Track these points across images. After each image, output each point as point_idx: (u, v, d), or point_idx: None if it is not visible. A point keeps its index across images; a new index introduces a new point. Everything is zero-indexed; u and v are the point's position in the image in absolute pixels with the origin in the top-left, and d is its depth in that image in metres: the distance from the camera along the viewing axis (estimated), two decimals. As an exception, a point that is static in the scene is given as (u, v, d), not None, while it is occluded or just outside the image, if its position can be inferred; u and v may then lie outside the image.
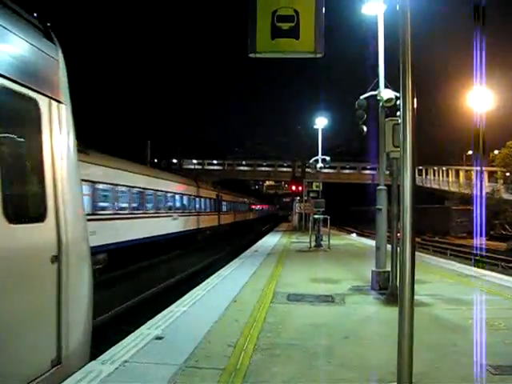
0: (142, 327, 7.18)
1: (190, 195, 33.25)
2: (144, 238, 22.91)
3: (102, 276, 16.74)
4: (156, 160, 62.89)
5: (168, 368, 5.30)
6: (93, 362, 5.48)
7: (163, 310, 8.47)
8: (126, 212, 21.38)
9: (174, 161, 71.46)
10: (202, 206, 36.91)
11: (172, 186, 29.13)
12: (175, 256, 25.64)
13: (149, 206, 24.70)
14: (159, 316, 7.91)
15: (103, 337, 10.32)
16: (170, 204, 28.47)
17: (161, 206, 26.65)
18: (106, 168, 19.22)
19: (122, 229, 20.53)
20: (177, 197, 30.12)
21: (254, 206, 78.84)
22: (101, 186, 18.61)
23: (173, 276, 18.59)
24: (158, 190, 26.06)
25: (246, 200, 68.97)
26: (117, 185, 20.08)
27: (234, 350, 6.06)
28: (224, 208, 46.11)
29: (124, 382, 4.91)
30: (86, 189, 16.18)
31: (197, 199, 35.18)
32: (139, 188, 23.02)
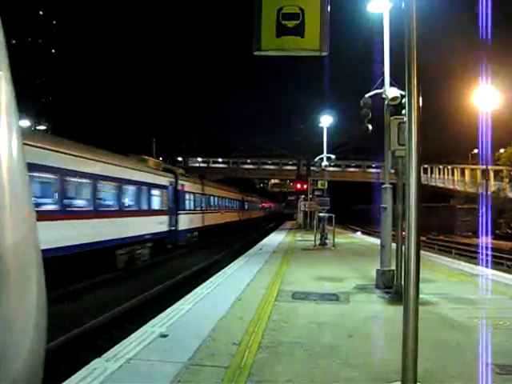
0: (147, 325, 7.20)
1: (231, 199, 48.71)
2: (225, 223, 43.32)
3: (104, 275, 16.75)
4: (161, 158, 63.03)
5: (172, 366, 5.31)
6: (97, 359, 5.50)
7: (168, 307, 8.49)
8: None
9: (179, 159, 71.49)
10: (234, 206, 50.34)
11: (224, 193, 45.50)
12: (179, 255, 25.63)
13: (219, 204, 42.21)
14: (164, 314, 7.93)
15: (108, 334, 10.40)
16: (222, 204, 43.86)
17: (222, 205, 43.39)
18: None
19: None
20: (227, 200, 46.72)
21: (264, 205, 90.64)
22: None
23: (179, 273, 18.60)
24: (218, 196, 41.85)
25: (258, 200, 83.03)
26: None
27: (239, 347, 6.06)
28: (245, 207, 59.87)
29: (128, 380, 4.92)
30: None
31: (233, 201, 50.19)
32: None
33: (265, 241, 27.51)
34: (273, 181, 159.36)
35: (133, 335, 6.59)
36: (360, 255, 18.94)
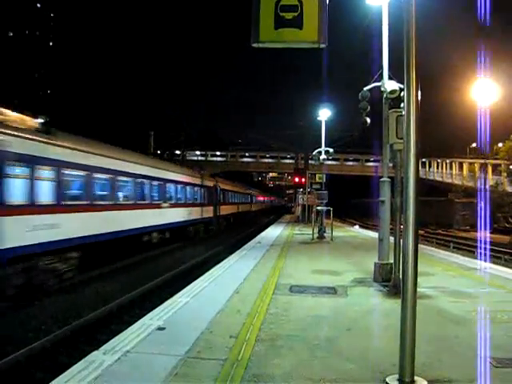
0: (144, 318, 7.20)
1: (245, 194, 59.41)
2: (242, 212, 52.91)
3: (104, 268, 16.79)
4: (159, 151, 62.91)
5: (170, 358, 5.31)
6: (95, 352, 5.50)
7: (166, 300, 8.50)
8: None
9: (177, 152, 71.42)
10: (247, 200, 61.25)
11: (241, 190, 56.30)
12: (177, 247, 25.67)
13: (240, 198, 53.19)
14: (161, 307, 7.93)
15: (105, 327, 10.40)
16: (241, 198, 54.41)
17: (241, 199, 53.79)
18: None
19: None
20: (243, 195, 57.34)
21: (265, 198, 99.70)
22: None
23: (178, 266, 18.65)
24: (239, 192, 52.95)
25: (262, 195, 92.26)
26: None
27: (236, 340, 6.06)
28: (254, 200, 70.12)
29: (126, 372, 4.92)
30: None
31: (247, 196, 60.95)
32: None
33: (263, 234, 27.52)
34: (271, 174, 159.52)
35: (130, 328, 6.59)
36: (358, 249, 18.95)
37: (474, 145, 68.39)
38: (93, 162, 16.16)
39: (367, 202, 62.88)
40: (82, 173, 15.48)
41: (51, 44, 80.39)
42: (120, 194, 18.90)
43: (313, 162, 35.09)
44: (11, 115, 12.79)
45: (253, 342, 6.00)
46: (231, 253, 16.96)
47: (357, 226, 43.11)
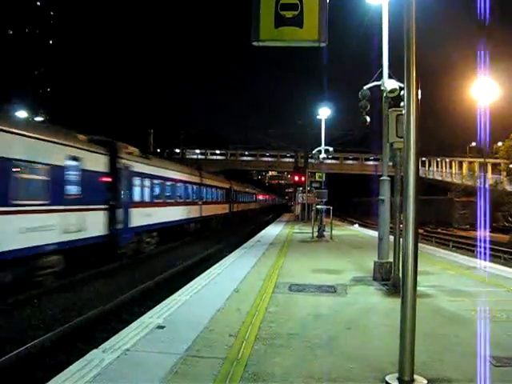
0: (144, 316, 7.21)
1: (251, 194, 67.98)
2: (253, 209, 66.40)
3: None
4: (159, 150, 62.89)
5: (169, 357, 5.31)
6: (94, 351, 5.50)
7: (165, 298, 8.50)
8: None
9: (177, 150, 71.38)
10: (253, 199, 70.43)
11: (250, 190, 66.81)
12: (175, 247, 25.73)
13: (250, 198, 63.96)
14: (161, 305, 7.93)
15: (105, 326, 10.40)
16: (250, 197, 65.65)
17: (250, 198, 64.27)
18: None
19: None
20: (251, 195, 67.79)
21: (268, 197, 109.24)
22: None
23: (185, 261, 19.08)
24: (248, 193, 62.92)
25: (265, 194, 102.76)
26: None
27: (236, 339, 6.07)
28: (257, 199, 78.43)
29: (125, 370, 4.92)
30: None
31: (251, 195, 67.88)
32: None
33: (263, 232, 27.50)
34: (271, 173, 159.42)
35: (130, 326, 6.59)
36: (357, 247, 18.95)
37: (473, 144, 68.42)
38: (163, 173, 24.07)
39: (367, 201, 62.92)
40: (160, 181, 23.49)
41: (51, 42, 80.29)
42: (177, 195, 27.06)
43: (312, 160, 35.08)
44: (129, 147, 19.87)
45: (252, 341, 6.00)
46: (231, 251, 16.97)
47: (356, 225, 43.10)
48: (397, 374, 4.62)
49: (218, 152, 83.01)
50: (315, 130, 35.75)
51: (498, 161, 52.32)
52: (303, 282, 10.32)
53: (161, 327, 6.52)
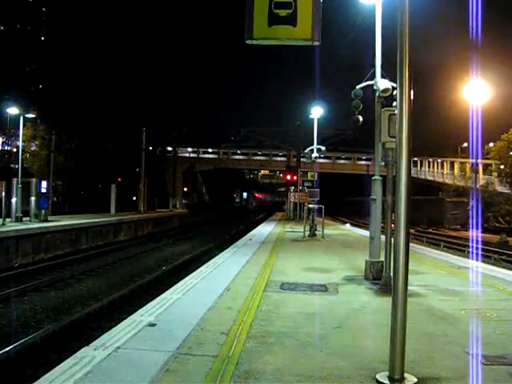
0: (135, 314, 7.18)
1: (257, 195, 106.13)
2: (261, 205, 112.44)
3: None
4: (151, 148, 62.67)
5: (161, 354, 5.30)
6: (85, 348, 5.48)
7: (156, 297, 8.48)
8: None
9: (169, 148, 71.17)
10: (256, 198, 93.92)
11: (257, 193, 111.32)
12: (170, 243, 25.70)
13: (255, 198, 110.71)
14: (152, 303, 7.91)
15: (96, 323, 10.38)
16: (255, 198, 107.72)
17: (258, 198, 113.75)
18: None
19: None
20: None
21: (260, 196, 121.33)
22: None
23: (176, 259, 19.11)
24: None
25: (261, 193, 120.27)
26: None
27: (227, 337, 6.07)
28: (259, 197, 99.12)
29: (116, 368, 4.90)
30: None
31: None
32: None
33: (254, 231, 27.51)
34: (263, 172, 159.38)
35: (121, 324, 6.57)
36: (349, 247, 19.00)
37: (465, 144, 68.58)
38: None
39: (358, 201, 63.06)
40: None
41: (43, 39, 79.74)
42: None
43: (305, 159, 35.14)
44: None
45: (244, 339, 6.00)
46: (222, 250, 16.97)
47: (348, 225, 43.21)
48: (387, 373, 4.64)
49: (210, 150, 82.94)
50: (308, 130, 35.74)
51: (489, 161, 52.52)
52: (295, 281, 10.33)
53: (152, 325, 6.51)
